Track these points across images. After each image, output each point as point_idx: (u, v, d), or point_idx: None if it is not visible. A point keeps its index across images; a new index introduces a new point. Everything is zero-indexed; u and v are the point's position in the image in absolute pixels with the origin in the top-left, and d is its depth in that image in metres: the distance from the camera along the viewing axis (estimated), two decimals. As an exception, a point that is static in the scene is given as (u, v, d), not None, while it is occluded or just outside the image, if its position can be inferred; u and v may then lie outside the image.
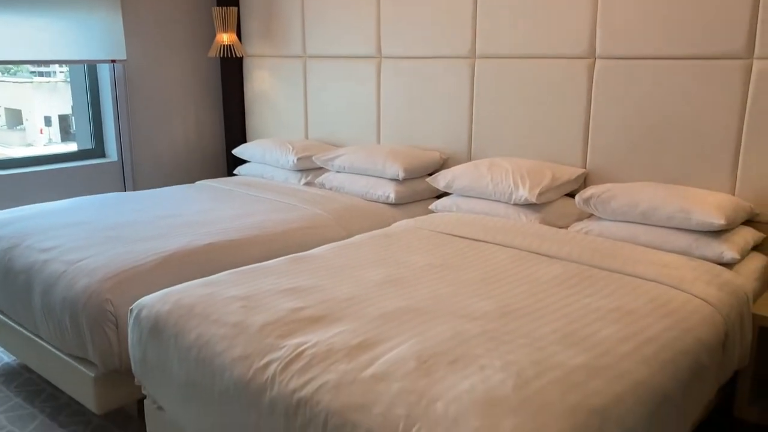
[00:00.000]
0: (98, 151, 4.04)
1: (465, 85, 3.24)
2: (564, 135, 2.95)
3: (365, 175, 3.32)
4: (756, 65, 2.41)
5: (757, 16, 2.38)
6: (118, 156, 3.98)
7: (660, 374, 1.53)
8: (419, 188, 3.25)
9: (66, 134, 4.30)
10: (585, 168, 2.91)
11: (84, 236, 2.54)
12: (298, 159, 3.59)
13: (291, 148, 3.66)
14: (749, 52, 2.42)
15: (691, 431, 2.02)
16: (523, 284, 2.01)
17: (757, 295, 2.25)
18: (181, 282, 2.20)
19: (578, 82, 2.86)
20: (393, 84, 3.55)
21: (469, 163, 3.04)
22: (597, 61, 2.81)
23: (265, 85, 4.21)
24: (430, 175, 3.31)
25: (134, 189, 4.04)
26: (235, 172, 3.99)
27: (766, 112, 2.40)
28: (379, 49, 3.58)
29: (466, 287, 1.98)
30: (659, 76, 2.63)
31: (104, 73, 3.93)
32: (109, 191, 3.89)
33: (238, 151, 3.95)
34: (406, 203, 3.23)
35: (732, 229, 2.33)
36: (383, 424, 1.30)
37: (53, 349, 2.34)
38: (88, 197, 3.26)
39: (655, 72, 2.64)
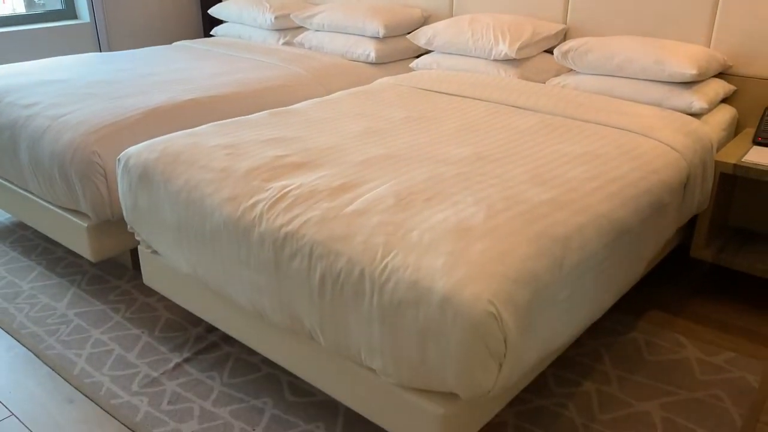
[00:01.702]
0: (69, 12, 3.90)
1: (447, -63, 3.13)
2: (546, -11, 2.90)
3: (345, 33, 3.28)
4: None
5: None
6: (90, 17, 3.86)
7: (621, 209, 1.65)
8: (400, 46, 3.22)
9: (30, 5, 4.11)
10: (566, 23, 2.89)
11: (64, 93, 2.54)
12: (276, 18, 3.52)
13: (268, 6, 3.57)
14: None
15: (650, 266, 2.20)
16: (499, 133, 2.08)
17: (722, 145, 2.36)
18: (164, 133, 2.25)
19: (563, -69, 2.78)
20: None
21: (450, 20, 3.01)
22: None
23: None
24: (411, 32, 3.28)
25: (109, 51, 3.96)
26: (212, 33, 3.90)
27: (749, -40, 2.38)
28: None
29: (443, 136, 2.05)
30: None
31: (67, -74, 3.73)
32: (83, 53, 3.81)
33: (214, 11, 3.84)
34: (387, 62, 3.23)
35: (704, 80, 2.38)
36: (363, 251, 1.41)
37: (45, 203, 2.42)
38: (64, 57, 3.21)
39: None
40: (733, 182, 2.41)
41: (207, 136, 2.02)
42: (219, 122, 2.18)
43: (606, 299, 1.67)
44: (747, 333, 2.14)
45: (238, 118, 2.24)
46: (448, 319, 1.25)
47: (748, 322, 2.19)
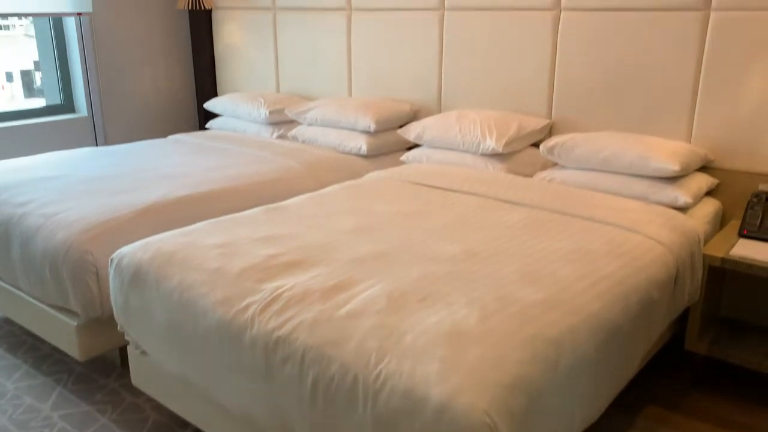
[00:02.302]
0: (67, 106, 4.01)
1: (434, 37, 3.28)
2: (530, 86, 3.02)
3: (337, 127, 3.37)
4: (713, 16, 2.50)
5: (715, -32, 2.46)
6: (88, 111, 3.95)
7: (612, 308, 1.66)
8: (390, 140, 3.31)
9: (29, 90, 4.24)
10: (550, 118, 3.00)
11: (59, 190, 2.57)
12: (270, 112, 3.62)
13: (263, 101, 3.68)
14: (707, 3, 2.50)
15: (645, 362, 2.18)
16: (488, 229, 2.12)
17: (709, 237, 2.39)
18: (159, 233, 2.26)
19: (544, 33, 2.92)
20: (363, 36, 3.57)
21: (438, 115, 3.11)
22: (562, 12, 2.87)
23: (234, 38, 4.19)
24: (402, 126, 3.38)
25: (105, 144, 4.04)
26: (206, 126, 4.00)
27: (722, 62, 2.50)
28: (349, 1, 3.58)
29: (434, 232, 2.08)
30: (621, 27, 2.71)
31: (70, 26, 3.87)
32: (81, 147, 3.88)
33: (209, 105, 3.95)
34: (378, 155, 3.30)
35: (687, 174, 2.45)
36: (356, 356, 1.40)
37: (34, 301, 2.40)
38: (61, 152, 3.27)
39: (617, 23, 2.71)
40: (722, 274, 2.44)
41: (201, 234, 2.04)
42: (214, 220, 2.20)
43: (602, 399, 1.65)
44: (746, 429, 2.10)
45: (233, 215, 2.27)
46: (443, 430, 1.23)
47: (747, 417, 2.16)
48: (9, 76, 4.23)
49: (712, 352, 2.27)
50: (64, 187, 2.62)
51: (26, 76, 4.21)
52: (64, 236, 2.21)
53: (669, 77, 2.63)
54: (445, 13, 3.23)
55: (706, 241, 2.33)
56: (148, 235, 2.26)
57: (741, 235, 2.31)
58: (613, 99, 2.80)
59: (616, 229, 2.12)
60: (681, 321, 2.38)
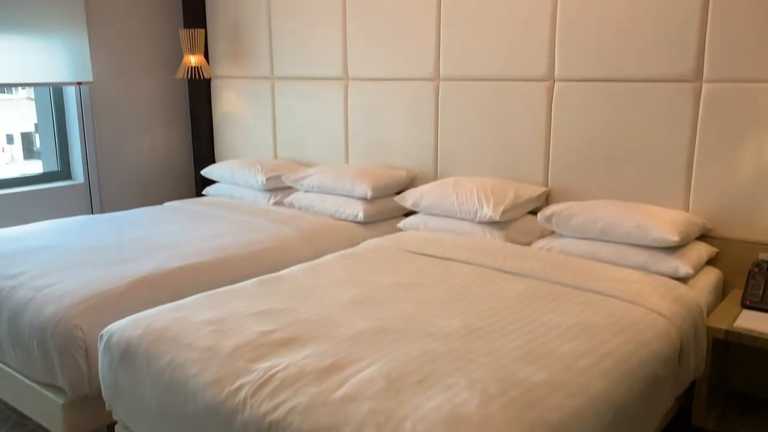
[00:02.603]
0: (64, 172, 4.01)
1: (430, 106, 3.32)
2: (526, 154, 3.04)
3: (334, 194, 3.37)
4: (705, 88, 2.53)
5: (705, 42, 2.50)
6: (84, 178, 3.96)
7: (617, 387, 1.61)
8: (387, 207, 3.30)
9: (29, 152, 4.26)
10: (547, 186, 3.00)
11: (51, 261, 2.54)
12: (267, 179, 3.63)
13: (259, 168, 3.69)
14: (698, 75, 2.54)
15: (650, 440, 2.10)
16: (488, 302, 2.08)
17: (711, 308, 2.35)
18: (151, 306, 2.21)
19: (539, 103, 2.96)
20: (360, 105, 3.61)
21: (435, 182, 3.11)
22: (556, 83, 2.91)
23: (233, 105, 4.25)
24: (398, 193, 3.38)
25: (101, 211, 4.02)
26: (203, 192, 4.00)
27: (716, 132, 2.52)
28: (346, 71, 3.64)
29: (432, 306, 2.04)
30: (615, 97, 2.74)
31: (70, 93, 3.92)
32: (76, 214, 3.87)
33: (206, 172, 3.96)
34: (375, 222, 3.29)
35: (686, 244, 2.43)
36: (353, 444, 1.34)
37: (20, 376, 2.33)
38: (55, 221, 3.25)
39: (611, 94, 2.75)
40: (726, 346, 2.39)
41: (194, 309, 2.00)
42: (207, 293, 2.16)
43: (610, 485, 1.58)
44: None
45: (227, 288, 2.23)
46: None
47: (760, 499, 2.07)
48: (9, 138, 4.26)
49: (720, 427, 2.20)
50: (57, 258, 2.58)
51: (26, 138, 4.24)
52: (53, 310, 2.16)
53: (664, 146, 2.65)
54: (440, 83, 3.27)
55: (708, 312, 2.29)
56: (140, 309, 2.21)
57: (744, 305, 2.27)
58: (609, 167, 2.80)
59: (618, 302, 2.08)
60: (687, 394, 2.31)
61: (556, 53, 2.88)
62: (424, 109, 3.35)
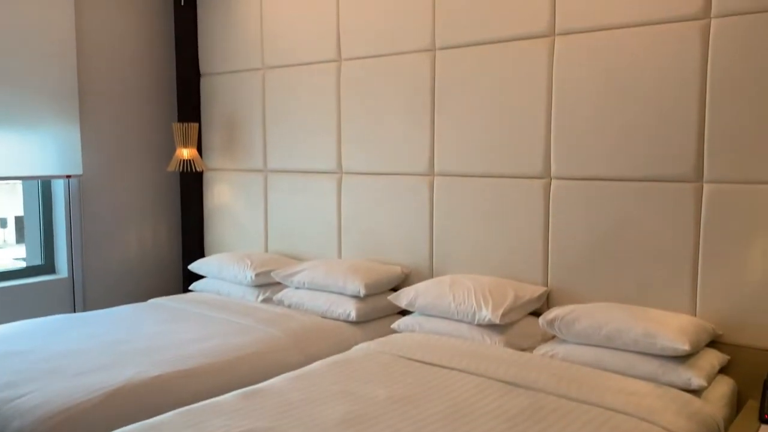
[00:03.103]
0: (48, 266, 3.89)
1: (425, 202, 3.26)
2: (524, 252, 2.95)
3: (325, 291, 3.24)
4: (706, 188, 2.48)
5: (703, 142, 2.47)
6: (68, 272, 3.83)
7: None
8: (381, 305, 3.18)
9: (22, 236, 4.15)
10: (547, 286, 2.89)
11: (23, 369, 2.38)
12: (256, 275, 3.51)
13: (249, 263, 3.58)
14: (699, 175, 2.49)
15: None
16: (489, 420, 1.92)
17: (728, 422, 2.20)
18: (126, 421, 2.04)
19: (536, 201, 2.89)
20: (354, 199, 3.55)
21: (431, 281, 3.00)
22: (552, 181, 2.86)
23: (224, 198, 4.18)
24: (393, 290, 3.26)
25: (84, 308, 3.87)
26: (190, 288, 3.87)
27: (721, 234, 2.45)
28: (340, 165, 3.60)
29: (429, 425, 1.88)
30: (614, 196, 2.68)
31: (58, 185, 3.85)
32: (59, 310, 3.71)
33: (194, 267, 3.84)
34: (368, 321, 3.15)
35: (697, 352, 2.30)
36: None
37: (-22, 500, 2.12)
38: (32, 321, 3.09)
39: (610, 193, 2.69)
40: (746, 464, 2.21)
41: (168, 429, 1.83)
42: (185, 409, 2.00)
43: None
44: None
45: (207, 402, 2.06)
46: None
47: None
48: (3, 222, 4.18)
49: None
50: (29, 364, 2.42)
51: (20, 222, 4.14)
52: (19, 426, 1.99)
53: (667, 247, 2.57)
54: (435, 178, 3.23)
55: (726, 427, 2.13)
56: (115, 424, 2.04)
57: (762, 420, 2.12)
58: (610, 268, 2.71)
59: (630, 419, 1.93)
60: None
61: (552, 151, 2.84)
62: (418, 205, 3.28)
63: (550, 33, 2.82)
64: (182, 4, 4.03)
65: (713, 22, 2.43)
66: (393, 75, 3.33)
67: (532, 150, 2.89)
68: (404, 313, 3.17)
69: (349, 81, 3.52)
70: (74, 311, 3.83)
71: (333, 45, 3.56)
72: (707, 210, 2.48)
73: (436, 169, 3.22)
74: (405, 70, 3.28)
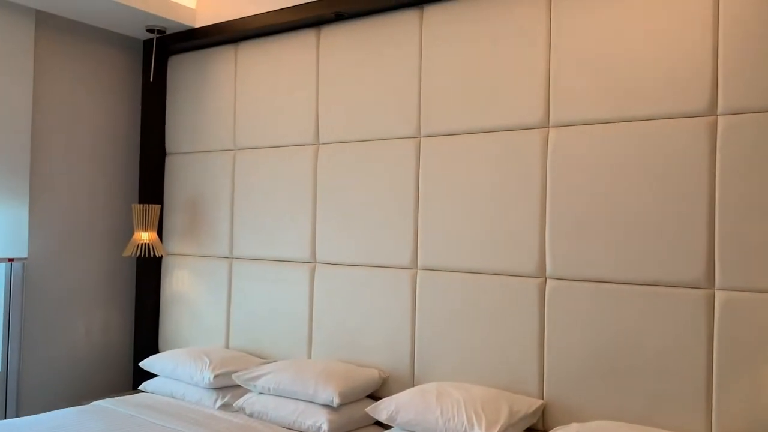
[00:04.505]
0: (-22, 360, 3.45)
1: (407, 297, 2.99)
2: (517, 359, 2.67)
3: (293, 398, 2.89)
4: (719, 296, 2.27)
5: (714, 245, 2.28)
6: (2, 367, 3.40)
7: None
8: (357, 415, 2.83)
9: None
10: (543, 398, 2.60)
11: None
12: (215, 376, 3.13)
13: (207, 362, 3.21)
14: (710, 281, 2.29)
15: None
16: None
17: None
18: None
19: (530, 302, 2.65)
20: (328, 292, 3.26)
21: (414, 390, 2.68)
22: (548, 281, 2.63)
23: (184, 285, 3.84)
24: (370, 396, 2.93)
25: (17, 411, 3.41)
26: (141, 387, 3.45)
27: (736, 346, 2.22)
28: (313, 254, 3.33)
29: None
30: (617, 301, 2.46)
31: (-1, 270, 3.48)
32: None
33: (146, 364, 3.44)
34: (341, 434, 2.79)
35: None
36: None
37: None
38: (-51, 431, 2.65)
39: (612, 296, 2.47)
40: None
41: None
42: None
43: None
44: None
45: None
46: None
47: None
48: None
49: None
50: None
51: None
52: None
53: (677, 360, 2.33)
54: (418, 272, 2.97)
55: None
56: None
57: None
58: (614, 380, 2.45)
59: None
60: None
61: (546, 248, 2.63)
62: (399, 301, 3.01)
63: (545, 124, 2.66)
64: (151, 80, 3.82)
65: (720, 119, 2.30)
66: (375, 161, 3.13)
67: (526, 246, 2.68)
68: (385, 424, 2.83)
69: (326, 166, 3.30)
70: (5, 416, 3.37)
71: (311, 128, 3.36)
72: (720, 320, 2.26)
73: (420, 262, 2.97)
74: (388, 157, 3.08)
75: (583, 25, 2.58)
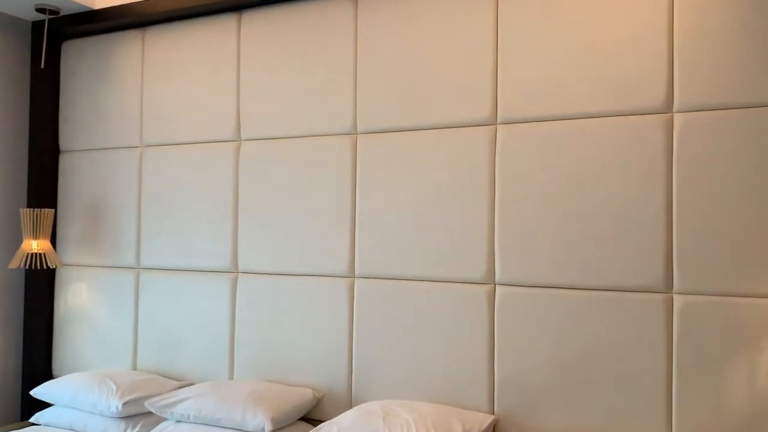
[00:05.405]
0: None
1: (343, 308, 2.74)
2: (466, 371, 2.50)
3: (218, 426, 2.57)
4: (677, 300, 2.19)
5: (672, 247, 2.20)
6: None
7: None
8: (290, 441, 2.55)
9: None
10: (493, 413, 2.44)
11: None
12: (125, 404, 2.75)
13: (114, 388, 2.82)
14: (668, 285, 2.20)
15: None
16: None
17: None
18: None
19: (478, 310, 2.48)
20: (252, 304, 2.95)
21: (357, 411, 2.44)
22: (497, 287, 2.47)
23: (83, 300, 3.38)
24: (304, 419, 2.66)
25: None
26: (33, 419, 2.99)
27: (696, 352, 2.15)
28: (235, 263, 3.01)
29: None
30: (571, 307, 2.33)
31: None
32: None
33: (39, 393, 2.99)
34: (274, 464, 2.50)
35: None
36: None
37: None
38: None
39: (566, 303, 2.34)
40: None
41: None
42: None
43: None
44: None
45: None
46: None
47: None
48: None
49: None
50: None
51: None
52: None
53: (636, 367, 2.23)
54: (356, 280, 2.73)
55: None
56: None
57: None
58: (569, 392, 2.32)
59: None
60: None
61: (496, 252, 2.47)
62: (335, 312, 2.75)
63: (492, 121, 2.51)
64: (42, 66, 3.34)
65: (676, 117, 2.22)
66: (305, 160, 2.86)
67: (473, 251, 2.50)
68: (319, 450, 2.55)
69: (249, 164, 2.99)
70: None
71: (231, 123, 3.04)
72: (679, 325, 2.18)
73: (358, 270, 2.73)
74: (321, 155, 2.82)
75: (533, 18, 2.44)
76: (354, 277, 2.74)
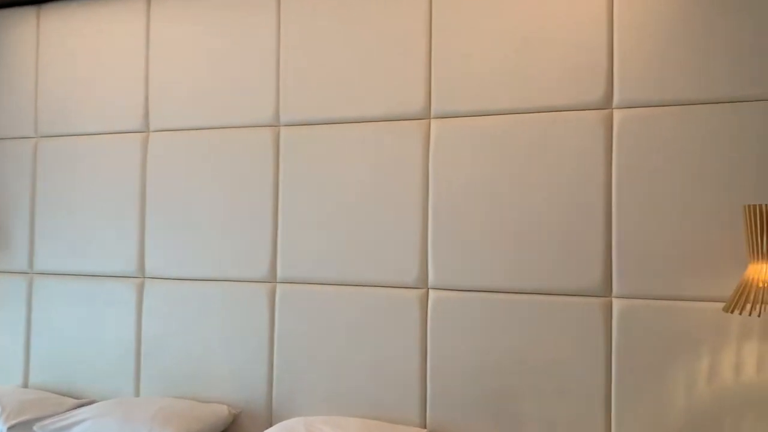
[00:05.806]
0: None
1: (263, 316, 2.52)
2: (396, 382, 2.33)
3: (120, 450, 2.29)
4: (616, 304, 2.10)
5: (611, 249, 2.11)
6: None
7: None
8: (202, 464, 2.30)
9: None
10: (425, 427, 2.28)
11: None
12: (10, 428, 2.42)
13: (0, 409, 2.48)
14: (607, 289, 2.11)
15: None
16: None
17: None
18: None
19: (410, 316, 2.32)
20: (161, 312, 2.68)
21: (278, 429, 2.23)
22: (430, 291, 2.32)
23: (-36, 310, 3.00)
24: (218, 439, 2.43)
25: None
26: None
27: (635, 358, 2.07)
28: (141, 267, 2.72)
29: None
30: (507, 313, 2.21)
31: None
32: None
33: None
34: (184, 491, 2.25)
35: None
36: None
37: None
38: None
39: (502, 308, 2.22)
40: None
41: None
42: None
43: None
44: None
45: None
46: None
47: None
48: None
49: None
50: None
51: None
52: None
53: (574, 375, 2.13)
54: (277, 286, 2.52)
55: None
56: None
57: None
58: (504, 403, 2.20)
59: None
60: None
61: (429, 254, 2.32)
62: (254, 321, 2.53)
63: (426, 115, 2.35)
64: None
65: (615, 113, 2.13)
66: (222, 153, 2.61)
67: (405, 253, 2.34)
68: (236, 473, 2.33)
69: (158, 158, 2.72)
70: None
71: (138, 111, 2.75)
72: (618, 330, 2.10)
73: (279, 274, 2.51)
74: (239, 148, 2.59)
75: (470, 8, 2.30)
76: (275, 281, 2.52)
